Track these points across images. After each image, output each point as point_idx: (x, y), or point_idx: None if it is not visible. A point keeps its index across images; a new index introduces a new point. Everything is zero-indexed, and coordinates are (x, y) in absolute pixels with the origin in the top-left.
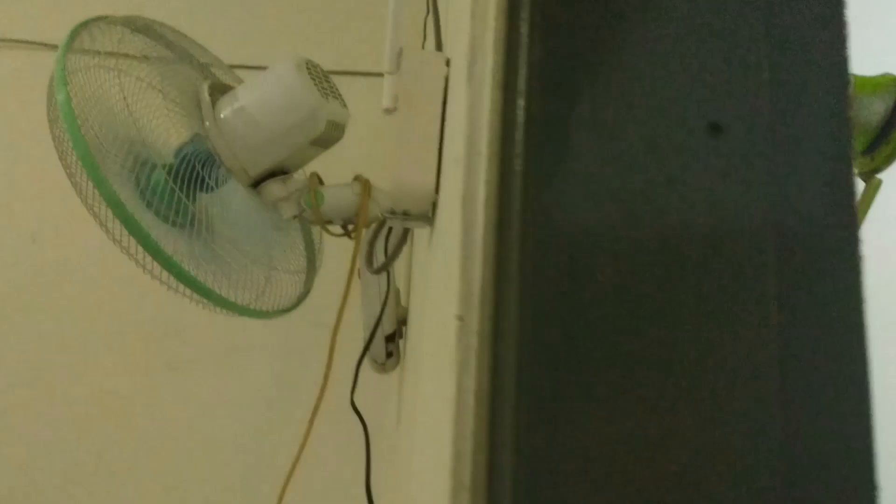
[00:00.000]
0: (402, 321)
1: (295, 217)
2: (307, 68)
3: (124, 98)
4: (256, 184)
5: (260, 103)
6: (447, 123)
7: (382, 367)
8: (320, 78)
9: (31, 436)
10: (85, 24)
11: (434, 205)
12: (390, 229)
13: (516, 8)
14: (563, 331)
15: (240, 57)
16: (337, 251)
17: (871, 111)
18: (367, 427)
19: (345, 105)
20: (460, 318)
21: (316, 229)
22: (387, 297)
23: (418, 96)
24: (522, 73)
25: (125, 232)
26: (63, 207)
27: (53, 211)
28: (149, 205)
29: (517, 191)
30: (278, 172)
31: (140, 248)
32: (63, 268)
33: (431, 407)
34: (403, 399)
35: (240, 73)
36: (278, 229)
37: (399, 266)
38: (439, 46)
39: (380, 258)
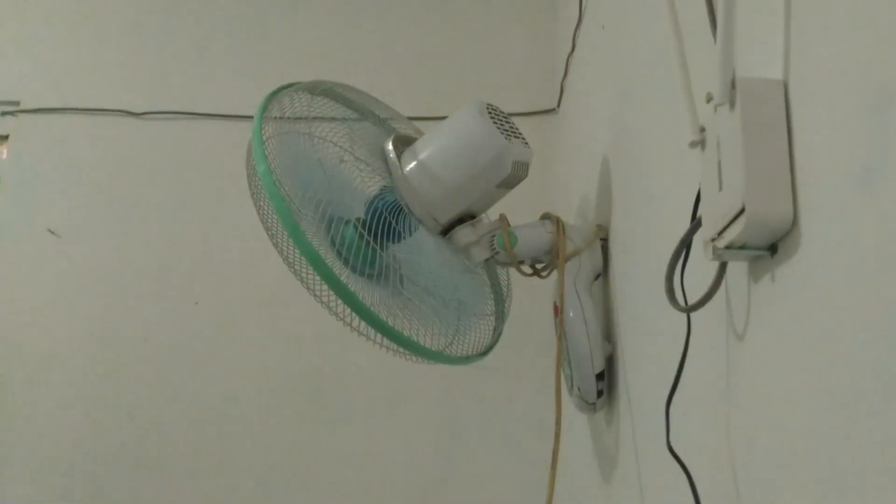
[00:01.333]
0: (609, 357)
1: (486, 260)
2: (488, 112)
3: (319, 160)
4: (445, 230)
5: (445, 152)
6: (801, 152)
7: (592, 408)
8: (501, 120)
9: (202, 493)
10: (274, 94)
11: (782, 237)
12: (685, 262)
13: None
14: None
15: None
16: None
17: None
18: (689, 473)
19: (526, 143)
20: None
21: (502, 272)
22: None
23: (757, 126)
24: None
25: (331, 293)
26: (222, 272)
27: (213, 276)
28: (345, 261)
29: None
30: (466, 218)
31: (346, 307)
32: (224, 328)
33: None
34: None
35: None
36: (467, 273)
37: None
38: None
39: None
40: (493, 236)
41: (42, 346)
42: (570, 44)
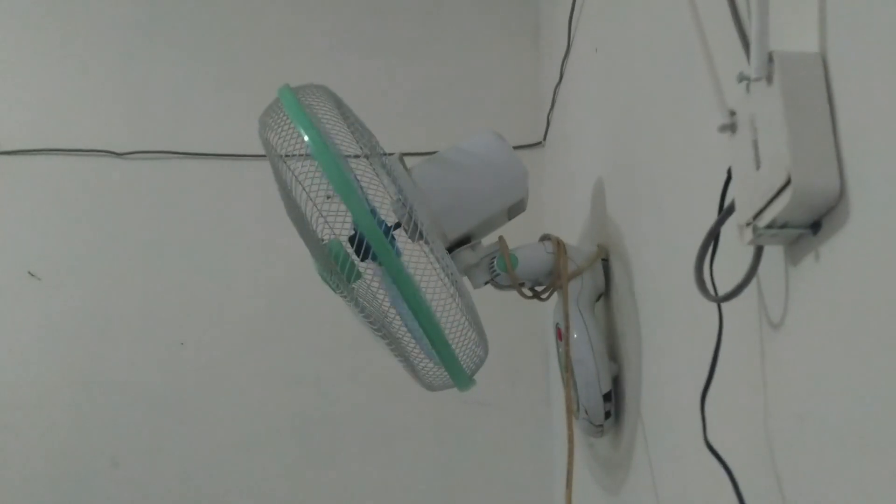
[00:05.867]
0: (615, 378)
1: (486, 283)
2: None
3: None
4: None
5: (468, 164)
6: (844, 124)
7: (600, 430)
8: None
9: None
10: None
11: (826, 213)
12: (714, 252)
13: None
14: None
15: None
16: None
17: None
18: (731, 471)
19: None
20: None
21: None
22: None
23: (797, 97)
24: None
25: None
26: (208, 313)
27: (199, 316)
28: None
29: None
30: (465, 241)
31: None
32: (211, 369)
33: None
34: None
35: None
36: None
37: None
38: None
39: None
40: (493, 258)
41: (21, 391)
42: (556, 75)
